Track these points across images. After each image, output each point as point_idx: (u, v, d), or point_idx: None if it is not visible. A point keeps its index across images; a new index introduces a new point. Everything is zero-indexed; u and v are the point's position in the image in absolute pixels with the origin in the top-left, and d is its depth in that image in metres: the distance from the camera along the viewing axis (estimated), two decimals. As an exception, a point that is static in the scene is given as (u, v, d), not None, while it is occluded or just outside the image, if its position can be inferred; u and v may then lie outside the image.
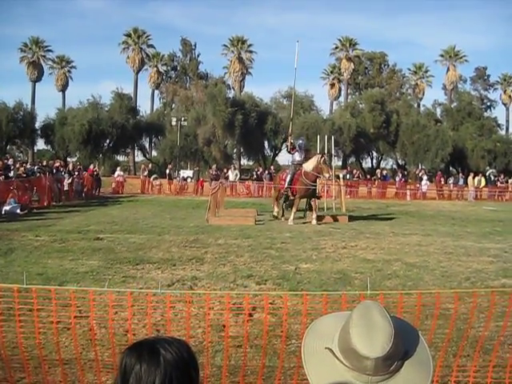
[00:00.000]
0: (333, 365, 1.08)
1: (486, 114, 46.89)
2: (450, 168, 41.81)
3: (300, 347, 1.20)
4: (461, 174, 35.85)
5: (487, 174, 35.51)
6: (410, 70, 52.14)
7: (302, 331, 3.08)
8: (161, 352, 1.16)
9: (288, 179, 14.22)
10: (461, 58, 51.83)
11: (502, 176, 36.06)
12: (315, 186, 13.89)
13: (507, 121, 51.03)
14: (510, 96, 52.41)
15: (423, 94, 52.16)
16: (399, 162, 44.34)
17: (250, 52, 48.69)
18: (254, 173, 31.34)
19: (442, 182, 33.48)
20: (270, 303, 4.70)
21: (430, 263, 8.31)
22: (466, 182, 32.04)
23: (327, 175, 14.21)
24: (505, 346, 3.88)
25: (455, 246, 10.22)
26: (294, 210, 14.11)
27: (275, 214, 14.95)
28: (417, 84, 51.99)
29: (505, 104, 52.48)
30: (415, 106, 47.75)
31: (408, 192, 29.87)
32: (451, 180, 33.88)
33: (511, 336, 3.98)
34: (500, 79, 52.40)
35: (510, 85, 52.48)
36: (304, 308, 3.35)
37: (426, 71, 52.60)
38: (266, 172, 30.18)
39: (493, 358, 3.41)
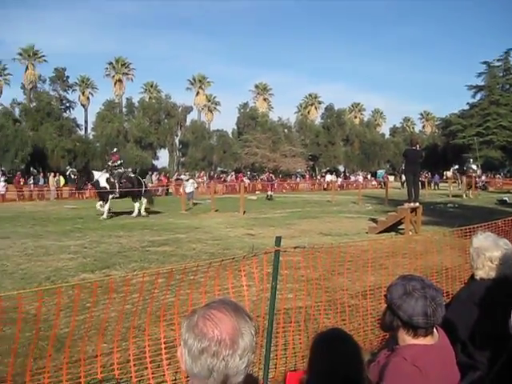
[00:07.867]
0: None
1: (65, 115, 48.13)
2: (31, 168, 40.95)
3: None
4: (42, 174, 35.67)
5: (67, 172, 36.62)
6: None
7: None
8: None
9: None
10: (40, 57, 51.55)
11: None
12: None
13: (86, 121, 54.20)
14: (87, 98, 55.70)
15: (1, 93, 49.98)
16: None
17: None
18: None
19: (22, 183, 32.41)
20: None
21: (9, 267, 7.84)
22: (46, 182, 31.97)
23: None
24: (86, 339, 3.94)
25: (36, 246, 9.94)
26: None
27: None
28: (-6, 82, 49.03)
29: (83, 105, 55.39)
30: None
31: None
32: (31, 180, 33.29)
33: (93, 328, 4.11)
34: (78, 81, 54.89)
35: (88, 86, 55.83)
36: None
37: (4, 69, 50.34)
38: None
39: (81, 352, 3.38)
